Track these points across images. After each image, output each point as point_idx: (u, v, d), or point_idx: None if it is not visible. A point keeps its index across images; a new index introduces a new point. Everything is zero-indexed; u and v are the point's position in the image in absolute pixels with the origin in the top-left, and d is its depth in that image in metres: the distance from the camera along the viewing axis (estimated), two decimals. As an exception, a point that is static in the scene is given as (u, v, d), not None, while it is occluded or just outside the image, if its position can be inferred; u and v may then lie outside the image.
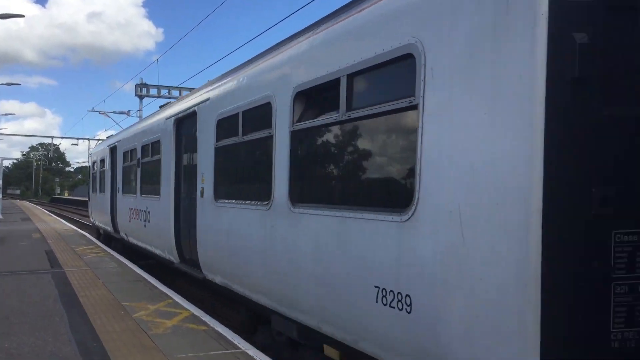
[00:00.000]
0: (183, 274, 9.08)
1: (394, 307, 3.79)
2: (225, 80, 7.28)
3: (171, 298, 8.14)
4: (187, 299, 8.17)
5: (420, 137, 3.57)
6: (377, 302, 3.96)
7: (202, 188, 7.45)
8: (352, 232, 4.27)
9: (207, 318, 6.94)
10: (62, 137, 71.99)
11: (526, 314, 2.94)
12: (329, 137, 4.85)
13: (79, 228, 22.59)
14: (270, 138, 5.60)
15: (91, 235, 19.03)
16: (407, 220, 3.67)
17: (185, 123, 8.66)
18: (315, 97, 4.98)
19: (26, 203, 62.87)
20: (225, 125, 6.88)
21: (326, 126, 4.75)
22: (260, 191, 5.87)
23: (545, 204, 2.88)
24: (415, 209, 3.60)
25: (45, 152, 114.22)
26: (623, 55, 2.83)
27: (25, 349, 5.70)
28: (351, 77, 4.33)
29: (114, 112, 38.11)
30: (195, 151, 7.87)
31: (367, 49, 4.13)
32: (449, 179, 3.38)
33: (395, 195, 3.92)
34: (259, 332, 6.57)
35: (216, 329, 6.44)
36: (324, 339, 4.91)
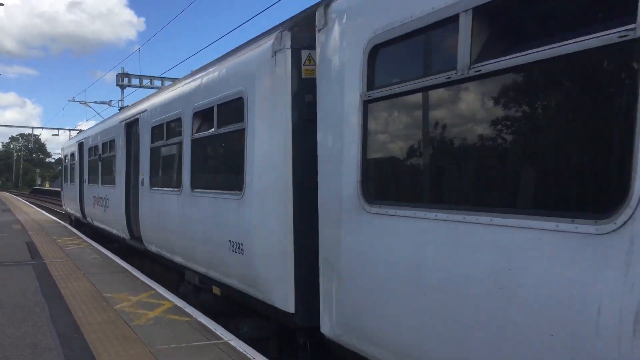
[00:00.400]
0: (141, 253, 11.14)
1: (236, 252, 6.33)
2: (156, 98, 9.83)
3: (153, 289, 8.40)
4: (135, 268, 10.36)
5: (245, 148, 6.11)
6: (229, 250, 6.50)
7: (143, 179, 9.99)
8: (219, 206, 6.81)
9: (189, 309, 7.18)
10: (42, 128, 74.13)
11: (287, 247, 5.47)
12: (209, 145, 7.40)
13: (60, 219, 22.89)
14: (181, 143, 8.12)
15: (72, 225, 19.96)
16: (241, 198, 6.20)
17: (133, 127, 11.17)
18: (204, 117, 7.48)
19: (6, 194, 62.51)
20: (157, 131, 9.39)
21: (207, 137, 7.29)
22: (176, 180, 8.40)
23: (293, 187, 5.42)
24: (244, 191, 6.14)
25: (26, 143, 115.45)
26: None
27: (5, 340, 5.77)
28: (220, 106, 6.86)
29: (95, 102, 37.91)
30: (139, 149, 10.41)
31: (225, 90, 6.65)
32: (256, 173, 5.92)
33: (237, 183, 6.43)
34: (180, 286, 9.09)
35: (199, 319, 6.64)
36: (212, 282, 7.45)
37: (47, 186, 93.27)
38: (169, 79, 30.18)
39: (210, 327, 6.33)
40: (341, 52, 4.37)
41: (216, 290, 7.44)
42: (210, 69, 7.37)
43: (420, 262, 3.45)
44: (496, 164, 3.14)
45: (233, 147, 6.66)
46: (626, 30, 2.34)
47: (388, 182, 4.12)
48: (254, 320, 6.63)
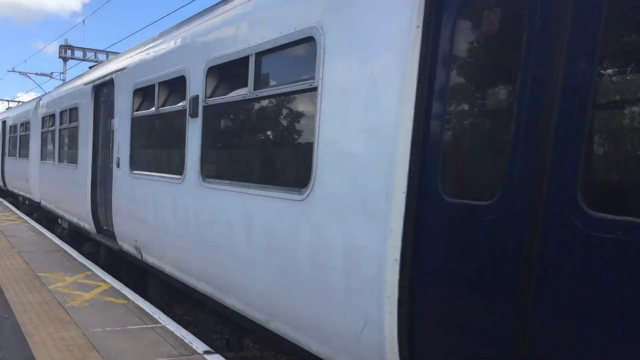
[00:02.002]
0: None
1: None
2: (16, 110, 20.37)
3: (90, 270, 8.48)
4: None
5: (30, 141, 15.79)
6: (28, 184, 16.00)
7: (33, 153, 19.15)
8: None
9: (127, 291, 7.22)
10: (-22, 98, 73.80)
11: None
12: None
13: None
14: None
15: (7, 201, 20.86)
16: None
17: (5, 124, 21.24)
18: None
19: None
20: (20, 128, 18.84)
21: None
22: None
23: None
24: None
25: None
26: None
27: None
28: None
29: (36, 74, 37.93)
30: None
31: (25, 118, 16.62)
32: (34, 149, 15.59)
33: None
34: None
35: (137, 303, 6.70)
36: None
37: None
38: (113, 52, 30.19)
39: (148, 311, 6.45)
40: (39, 117, 14.50)
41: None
42: (22, 105, 18.21)
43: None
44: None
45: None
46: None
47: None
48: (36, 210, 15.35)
